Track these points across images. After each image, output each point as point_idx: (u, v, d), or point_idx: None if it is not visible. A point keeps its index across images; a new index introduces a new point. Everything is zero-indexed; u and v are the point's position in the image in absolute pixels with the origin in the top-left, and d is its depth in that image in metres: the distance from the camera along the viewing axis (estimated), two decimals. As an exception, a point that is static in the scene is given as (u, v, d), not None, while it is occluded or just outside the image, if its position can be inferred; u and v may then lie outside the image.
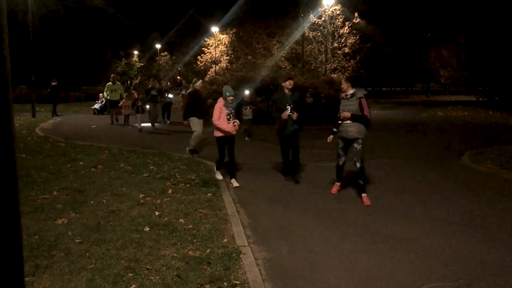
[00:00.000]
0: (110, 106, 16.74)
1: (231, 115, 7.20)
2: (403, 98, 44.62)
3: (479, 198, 6.48)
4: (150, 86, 15.42)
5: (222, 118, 7.12)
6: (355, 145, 6.21)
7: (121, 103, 16.32)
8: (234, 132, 7.28)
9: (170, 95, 17.76)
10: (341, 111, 6.32)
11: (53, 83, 20.23)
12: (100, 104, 21.84)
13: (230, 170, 7.38)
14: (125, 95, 16.34)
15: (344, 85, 6.47)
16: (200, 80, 10.51)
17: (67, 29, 35.16)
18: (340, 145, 6.47)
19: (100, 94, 22.03)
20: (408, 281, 3.77)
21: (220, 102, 7.20)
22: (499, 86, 30.24)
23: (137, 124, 14.61)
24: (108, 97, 16.45)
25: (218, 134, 7.28)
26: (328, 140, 6.64)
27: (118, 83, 17.07)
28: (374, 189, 6.92)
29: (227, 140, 7.29)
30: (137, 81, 16.47)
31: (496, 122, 18.46)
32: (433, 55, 37.72)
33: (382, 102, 35.72)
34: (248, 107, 13.31)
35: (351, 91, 6.35)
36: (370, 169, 7.75)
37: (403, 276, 3.85)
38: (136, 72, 52.59)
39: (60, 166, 8.14)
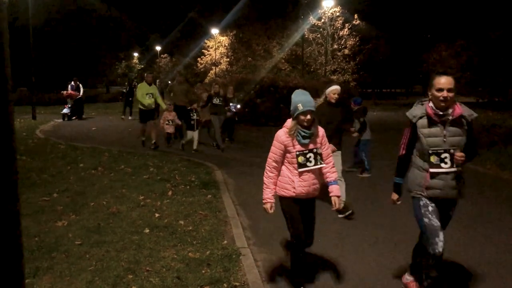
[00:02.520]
0: (143, 119, 11.08)
1: (310, 154, 3.43)
2: (403, 100, 44.64)
3: (479, 199, 6.49)
4: (212, 91, 11.52)
5: (290, 163, 3.47)
6: (450, 212, 3.45)
7: (162, 120, 11.56)
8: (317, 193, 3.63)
9: (238, 106, 12.92)
10: (426, 146, 3.22)
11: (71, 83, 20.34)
12: (69, 109, 19.01)
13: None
14: (166, 104, 11.78)
15: (449, 89, 3.12)
16: (335, 87, 6.02)
17: (67, 31, 35.20)
18: (428, 209, 3.30)
19: (68, 100, 18.98)
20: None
21: (283, 134, 3.46)
22: (499, 87, 30.27)
23: (182, 141, 11.03)
24: (141, 106, 11.00)
25: (284, 192, 3.54)
26: (392, 201, 3.60)
27: (154, 85, 11.91)
28: (373, 191, 6.93)
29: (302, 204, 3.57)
30: (175, 83, 12.80)
31: (496, 123, 18.44)
32: (433, 57, 37.72)
33: (382, 104, 35.74)
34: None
35: (454, 108, 3.20)
36: (373, 171, 7.75)
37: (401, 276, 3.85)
38: (136, 74, 52.64)
39: (60, 168, 8.14)
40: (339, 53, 32.09)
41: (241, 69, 39.36)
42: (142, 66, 55.18)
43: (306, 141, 3.38)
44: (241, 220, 5.43)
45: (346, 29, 31.14)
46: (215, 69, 42.95)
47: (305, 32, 30.75)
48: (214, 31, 43.43)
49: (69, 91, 18.83)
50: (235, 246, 4.46)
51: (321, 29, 31.53)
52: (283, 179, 3.48)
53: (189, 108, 10.93)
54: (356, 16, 31.01)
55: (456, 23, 35.28)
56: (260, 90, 17.04)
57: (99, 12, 38.75)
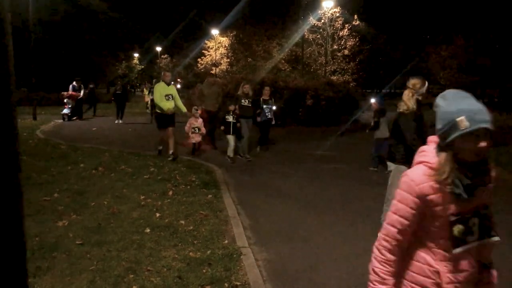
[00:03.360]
0: (161, 124, 9.47)
1: (475, 220, 1.78)
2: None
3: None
4: (241, 92, 10.19)
5: (432, 239, 1.79)
6: None
7: (187, 126, 10.31)
8: None
9: (274, 107, 11.25)
10: None
11: (91, 85, 20.97)
12: (69, 109, 18.84)
13: None
14: (195, 109, 10.39)
15: None
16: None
17: (67, 32, 35.21)
18: None
19: (66, 100, 18.90)
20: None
21: (422, 178, 1.73)
22: (499, 87, 30.27)
23: (229, 154, 9.60)
24: (159, 109, 9.41)
25: None
26: None
27: (173, 85, 10.09)
28: (377, 189, 6.93)
29: None
30: (204, 85, 11.29)
31: (496, 123, 18.45)
32: (433, 57, 37.75)
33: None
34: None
35: None
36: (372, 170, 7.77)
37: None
38: (136, 75, 52.64)
39: (61, 168, 8.14)
40: (339, 54, 32.07)
41: (241, 69, 39.34)
42: (143, 66, 55.17)
43: (472, 194, 1.70)
44: (242, 220, 5.43)
45: (346, 29, 31.13)
46: (215, 69, 42.94)
47: (305, 33, 30.73)
48: (214, 31, 43.43)
49: (70, 91, 18.85)
50: (236, 245, 4.46)
51: (321, 30, 31.51)
52: (417, 268, 1.81)
53: (227, 110, 9.59)
54: (356, 16, 31.00)
55: (456, 24, 35.30)
56: (260, 90, 17.04)
57: (100, 12, 38.75)
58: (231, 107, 9.55)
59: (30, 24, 19.25)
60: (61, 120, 18.58)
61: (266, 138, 11.18)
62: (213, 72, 42.12)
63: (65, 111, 18.90)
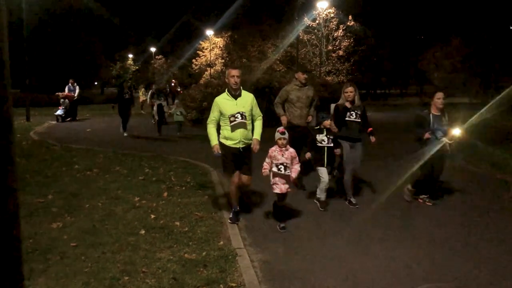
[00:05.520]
0: (228, 162, 5.46)
1: None
2: (397, 100, 44.83)
3: (474, 199, 6.53)
4: (343, 100, 6.29)
5: None
6: None
7: (266, 163, 5.30)
8: None
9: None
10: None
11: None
12: (63, 110, 18.64)
13: None
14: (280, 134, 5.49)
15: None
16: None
17: (61, 33, 35.05)
18: None
19: (62, 101, 18.66)
20: (404, 282, 3.79)
21: None
22: (493, 87, 30.48)
23: (318, 196, 6.13)
24: (224, 138, 5.48)
25: None
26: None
27: (250, 94, 5.64)
28: (368, 190, 6.95)
29: None
30: (290, 87, 7.14)
31: (490, 123, 18.57)
32: (427, 57, 37.97)
33: (377, 104, 35.86)
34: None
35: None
36: (367, 170, 7.77)
37: (399, 277, 3.87)
38: (131, 75, 52.44)
39: (55, 170, 8.10)
40: (333, 54, 32.20)
41: (236, 70, 39.36)
42: (137, 67, 55.05)
43: None
44: (237, 221, 5.42)
45: (341, 30, 31.26)
46: (210, 70, 42.94)
47: (300, 34, 30.82)
48: (209, 32, 43.43)
49: (66, 92, 18.76)
50: (231, 246, 4.46)
51: (315, 30, 31.62)
52: None
53: (317, 127, 5.98)
54: (350, 17, 31.13)
55: (450, 24, 35.52)
56: (255, 91, 17.06)
57: (94, 13, 38.61)
58: (327, 123, 5.91)
59: (24, 25, 19.11)
60: (55, 121, 18.48)
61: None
62: (207, 72, 42.11)
63: (59, 112, 18.80)
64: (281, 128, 5.41)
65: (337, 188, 6.87)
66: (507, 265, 4.14)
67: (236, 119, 5.19)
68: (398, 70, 45.05)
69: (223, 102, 5.27)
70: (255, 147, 5.29)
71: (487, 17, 29.89)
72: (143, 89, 24.89)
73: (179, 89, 41.66)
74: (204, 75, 43.09)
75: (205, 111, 17.17)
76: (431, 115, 6.10)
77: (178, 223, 5.13)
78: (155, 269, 3.88)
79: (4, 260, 1.19)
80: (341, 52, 31.92)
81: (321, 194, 6.06)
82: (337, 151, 5.92)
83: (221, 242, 4.57)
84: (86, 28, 38.30)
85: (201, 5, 46.85)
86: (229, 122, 5.23)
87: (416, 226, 5.29)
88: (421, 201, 6.28)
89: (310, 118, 7.15)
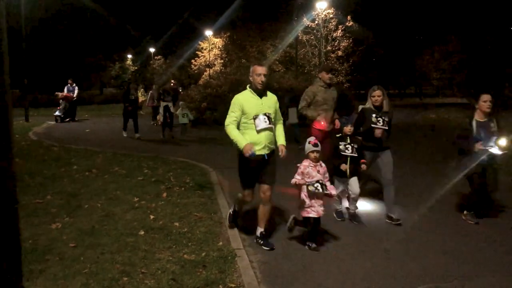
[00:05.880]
0: (247, 175, 4.71)
1: None
2: (396, 101, 44.88)
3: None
4: (370, 104, 5.60)
5: None
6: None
7: (297, 177, 4.58)
8: None
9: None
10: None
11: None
12: (61, 111, 18.59)
13: None
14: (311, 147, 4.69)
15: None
16: None
17: (60, 33, 35.04)
18: None
19: (61, 101, 18.66)
20: (403, 282, 3.79)
21: None
22: (492, 88, 30.51)
23: (349, 206, 5.63)
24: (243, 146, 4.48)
25: None
26: None
27: (272, 95, 4.83)
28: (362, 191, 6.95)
29: None
30: (315, 87, 6.48)
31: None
32: (426, 58, 38.02)
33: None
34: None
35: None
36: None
37: (398, 277, 3.87)
38: (130, 76, 52.37)
39: (54, 170, 8.09)
40: (332, 55, 32.20)
41: (235, 70, 39.35)
42: (136, 67, 55.00)
43: None
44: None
45: (340, 30, 31.26)
46: (209, 70, 42.91)
47: (299, 34, 30.82)
48: (208, 32, 43.41)
49: (65, 93, 18.75)
50: (230, 247, 4.45)
51: (314, 31, 31.61)
52: None
53: (339, 134, 5.47)
54: (349, 17, 31.14)
55: (449, 25, 35.57)
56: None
57: (93, 13, 38.60)
58: (347, 129, 5.31)
59: (23, 25, 19.10)
60: (54, 122, 18.47)
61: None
62: (207, 72, 42.11)
63: (58, 112, 18.79)
64: (312, 139, 4.64)
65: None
66: None
67: (263, 122, 4.45)
68: (397, 70, 45.09)
69: (247, 100, 4.52)
70: (284, 154, 4.59)
71: (486, 17, 29.94)
72: (142, 89, 24.90)
73: (180, 89, 41.67)
74: (203, 76, 43.07)
75: (205, 111, 17.20)
76: (474, 121, 5.36)
77: (177, 224, 5.12)
78: (154, 269, 3.87)
79: (3, 261, 1.19)
80: (340, 53, 31.93)
81: (351, 205, 5.46)
82: (363, 166, 5.18)
83: (220, 243, 4.56)
84: (85, 29, 38.28)
85: (200, 5, 46.84)
86: (253, 124, 4.47)
87: (413, 231, 5.28)
88: (464, 218, 5.49)
89: (337, 122, 6.27)
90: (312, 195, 4.42)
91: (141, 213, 5.53)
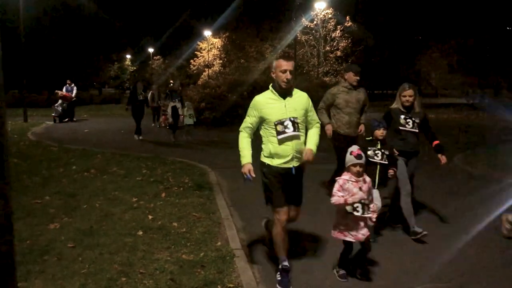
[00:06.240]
0: (271, 194, 3.88)
1: None
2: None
3: (472, 199, 6.54)
4: (398, 104, 5.06)
5: None
6: None
7: (337, 196, 3.79)
8: None
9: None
10: None
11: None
12: (59, 106, 18.58)
13: None
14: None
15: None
16: None
17: (59, 33, 35.00)
18: None
19: (60, 101, 18.73)
20: (401, 281, 3.79)
21: None
22: (490, 88, 30.59)
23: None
24: (265, 155, 3.89)
25: None
26: None
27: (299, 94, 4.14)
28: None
29: None
30: (339, 88, 6.08)
31: (487, 124, 18.64)
32: (424, 58, 38.07)
33: (375, 105, 35.91)
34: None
35: None
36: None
37: (396, 277, 3.87)
38: (128, 76, 52.35)
39: (52, 171, 8.08)
40: (331, 55, 32.22)
41: (234, 70, 39.36)
42: (135, 68, 55.00)
43: None
44: (235, 222, 5.42)
45: (338, 31, 31.29)
46: (208, 70, 42.91)
47: (298, 34, 30.84)
48: (207, 33, 43.41)
49: (64, 93, 18.76)
50: (229, 247, 4.45)
51: (313, 31, 31.64)
52: None
53: (369, 138, 4.78)
54: (348, 18, 31.16)
55: (447, 25, 35.62)
56: (253, 91, 17.10)
57: (92, 14, 38.57)
58: (379, 132, 4.67)
59: (21, 25, 19.08)
60: (53, 122, 18.45)
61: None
62: (205, 73, 42.09)
63: (55, 113, 18.79)
64: (355, 149, 3.82)
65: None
66: None
67: (286, 130, 3.65)
68: (396, 70, 45.13)
69: (267, 103, 3.74)
70: (309, 157, 3.72)
71: (485, 18, 29.99)
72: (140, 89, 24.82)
73: (180, 89, 41.58)
74: (202, 76, 43.07)
75: (204, 111, 17.19)
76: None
77: (175, 224, 5.12)
78: (152, 270, 3.87)
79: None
80: (339, 53, 31.95)
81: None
82: (391, 171, 4.62)
83: (219, 243, 4.56)
84: (84, 29, 38.23)
85: (199, 5, 46.83)
86: (275, 133, 3.69)
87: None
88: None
89: (362, 127, 6.00)
90: (349, 217, 3.72)
91: (139, 213, 5.53)
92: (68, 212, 5.53)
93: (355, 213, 3.65)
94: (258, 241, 4.76)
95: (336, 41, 31.65)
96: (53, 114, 18.83)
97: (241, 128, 3.89)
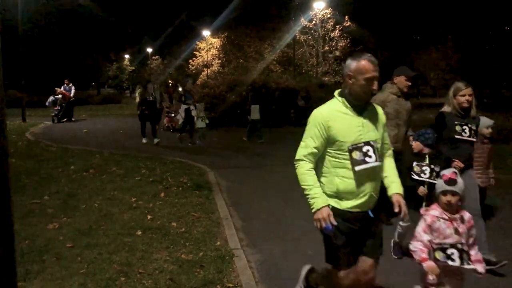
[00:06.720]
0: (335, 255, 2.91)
1: None
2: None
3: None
4: (452, 107, 4.13)
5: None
6: None
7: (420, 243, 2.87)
8: None
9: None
10: None
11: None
12: (58, 109, 18.39)
13: None
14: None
15: None
16: None
17: (57, 33, 34.95)
18: None
19: (57, 96, 18.57)
20: (401, 281, 3.79)
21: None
22: (489, 88, 30.63)
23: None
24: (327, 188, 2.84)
25: None
26: None
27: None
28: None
29: None
30: (385, 94, 4.94)
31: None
32: (423, 58, 38.11)
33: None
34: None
35: None
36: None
37: (396, 277, 3.87)
38: (127, 76, 52.33)
39: (51, 171, 8.07)
40: (330, 55, 32.24)
41: (232, 70, 39.35)
42: (133, 68, 54.98)
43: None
44: (234, 221, 5.42)
45: (337, 31, 31.31)
46: (207, 70, 42.90)
47: (297, 34, 30.87)
48: (206, 33, 43.40)
49: (64, 91, 18.78)
50: (228, 247, 4.45)
51: (312, 31, 31.65)
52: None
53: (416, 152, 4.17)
54: (346, 17, 31.18)
55: (446, 25, 35.67)
56: (251, 91, 17.09)
57: (90, 13, 38.51)
58: (415, 145, 4.16)
59: (20, 25, 19.04)
60: (51, 122, 18.43)
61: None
62: (204, 72, 42.10)
63: (51, 99, 18.87)
64: (449, 173, 2.87)
65: None
66: None
67: (367, 159, 2.60)
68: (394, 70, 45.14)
69: (338, 118, 2.66)
70: (403, 208, 2.66)
71: (484, 18, 30.01)
72: (139, 90, 24.79)
73: (180, 89, 41.58)
74: (201, 76, 43.07)
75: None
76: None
77: (175, 224, 5.12)
78: (151, 270, 3.86)
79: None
80: (337, 53, 31.97)
81: (399, 237, 4.29)
82: (422, 190, 3.89)
83: (218, 243, 4.56)
84: (82, 29, 38.19)
85: (197, 5, 46.80)
86: (349, 162, 2.63)
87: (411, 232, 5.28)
88: None
89: (411, 139, 4.49)
90: (440, 267, 2.70)
91: (138, 213, 5.52)
92: (67, 212, 5.53)
93: (450, 261, 2.67)
94: (257, 241, 4.77)
95: (335, 41, 31.68)
96: (52, 114, 18.81)
97: (300, 156, 2.75)
